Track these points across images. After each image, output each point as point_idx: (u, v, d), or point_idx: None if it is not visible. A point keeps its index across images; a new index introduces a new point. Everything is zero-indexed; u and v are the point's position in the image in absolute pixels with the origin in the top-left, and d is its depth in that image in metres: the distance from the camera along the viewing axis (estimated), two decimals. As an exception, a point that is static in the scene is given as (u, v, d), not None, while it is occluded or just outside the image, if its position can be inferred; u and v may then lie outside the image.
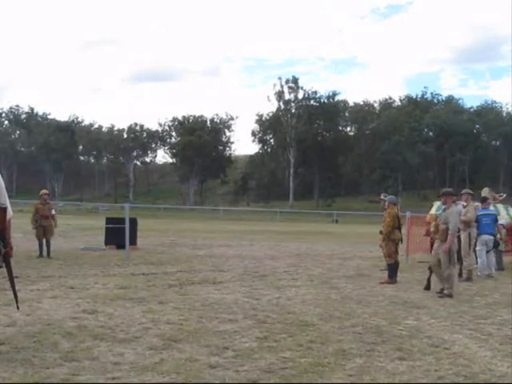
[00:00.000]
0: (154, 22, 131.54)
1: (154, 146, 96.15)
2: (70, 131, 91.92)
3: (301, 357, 5.00)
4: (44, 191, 14.07)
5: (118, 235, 14.50)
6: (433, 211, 14.54)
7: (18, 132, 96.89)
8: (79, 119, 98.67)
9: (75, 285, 8.83)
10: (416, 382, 4.41)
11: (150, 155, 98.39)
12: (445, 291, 8.78)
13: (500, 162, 76.27)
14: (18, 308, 5.29)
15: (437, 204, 14.47)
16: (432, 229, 9.97)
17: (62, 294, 7.91)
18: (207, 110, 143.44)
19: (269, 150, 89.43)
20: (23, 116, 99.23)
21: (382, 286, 9.68)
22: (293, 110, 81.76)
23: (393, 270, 10.34)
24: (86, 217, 39.13)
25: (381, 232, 10.81)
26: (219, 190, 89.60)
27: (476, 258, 11.88)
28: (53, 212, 13.61)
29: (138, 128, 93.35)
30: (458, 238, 11.51)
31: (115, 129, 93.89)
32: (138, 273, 10.64)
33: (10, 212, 4.83)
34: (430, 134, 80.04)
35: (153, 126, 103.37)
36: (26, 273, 9.83)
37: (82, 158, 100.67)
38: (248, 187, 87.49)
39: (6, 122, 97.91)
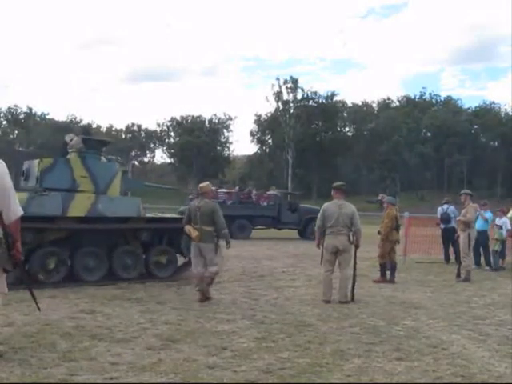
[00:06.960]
0: (153, 22, 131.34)
1: (152, 146, 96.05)
2: (69, 131, 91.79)
3: (299, 357, 5.00)
4: None
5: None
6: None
7: (16, 132, 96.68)
8: (78, 119, 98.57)
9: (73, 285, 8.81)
10: (414, 383, 4.41)
11: (149, 155, 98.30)
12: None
13: (498, 162, 76.25)
14: (38, 309, 5.19)
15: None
16: None
17: (60, 294, 7.89)
18: (206, 110, 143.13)
19: (267, 150, 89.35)
20: (22, 116, 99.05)
21: (379, 286, 9.70)
22: (291, 111, 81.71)
23: (384, 269, 10.45)
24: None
25: (379, 232, 10.85)
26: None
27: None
28: None
29: (136, 128, 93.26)
30: (458, 238, 11.54)
31: (113, 129, 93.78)
32: (136, 273, 10.61)
33: (15, 213, 4.53)
34: (429, 134, 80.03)
35: (151, 125, 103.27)
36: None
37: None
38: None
39: (5, 122, 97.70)
